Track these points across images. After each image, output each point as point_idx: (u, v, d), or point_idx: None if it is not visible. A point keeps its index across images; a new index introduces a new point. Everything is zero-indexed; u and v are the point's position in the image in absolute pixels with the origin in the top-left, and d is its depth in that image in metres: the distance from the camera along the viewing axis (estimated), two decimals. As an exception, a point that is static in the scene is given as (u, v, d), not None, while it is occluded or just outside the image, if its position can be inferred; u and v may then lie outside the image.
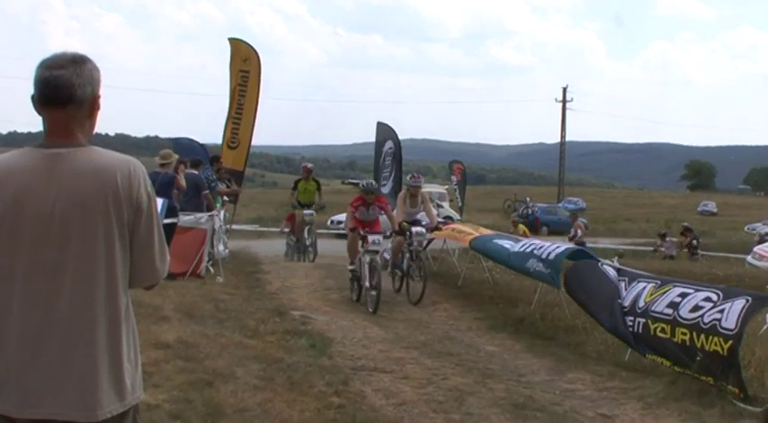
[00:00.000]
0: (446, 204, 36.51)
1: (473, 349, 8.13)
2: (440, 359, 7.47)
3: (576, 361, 7.67)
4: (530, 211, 44.65)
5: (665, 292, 7.09)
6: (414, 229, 11.35)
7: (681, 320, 6.64)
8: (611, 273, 8.16)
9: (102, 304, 2.22)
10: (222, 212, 13.41)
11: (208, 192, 12.34)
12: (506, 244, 10.81)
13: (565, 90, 64.30)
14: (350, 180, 49.61)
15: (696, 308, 6.57)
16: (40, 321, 2.17)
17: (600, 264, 8.45)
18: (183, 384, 5.46)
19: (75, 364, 2.18)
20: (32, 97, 2.27)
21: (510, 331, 9.12)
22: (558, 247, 9.53)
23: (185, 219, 11.32)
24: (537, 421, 5.67)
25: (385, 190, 23.89)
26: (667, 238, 25.88)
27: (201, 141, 16.80)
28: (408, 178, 12.54)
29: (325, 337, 8.00)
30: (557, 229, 40.75)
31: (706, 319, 6.37)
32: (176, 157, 11.83)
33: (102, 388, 2.21)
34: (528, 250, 9.76)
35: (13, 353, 2.16)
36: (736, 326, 6.08)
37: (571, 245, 9.51)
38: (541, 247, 9.53)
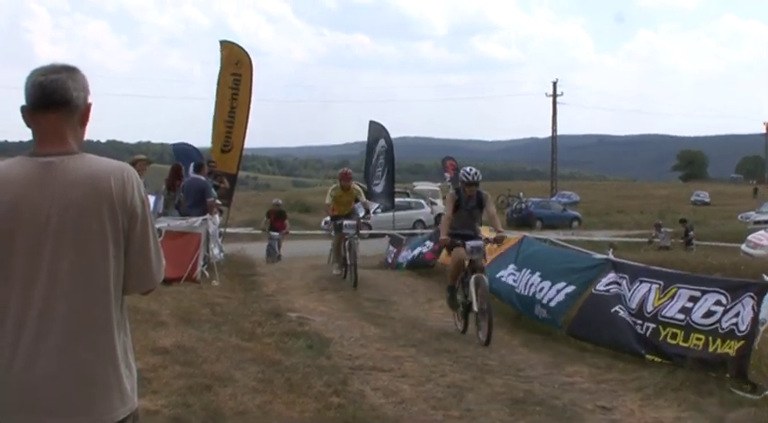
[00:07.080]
0: (439, 202, 36.54)
1: (470, 346, 8.14)
2: (437, 356, 7.48)
3: (574, 354, 7.69)
4: (523, 206, 44.73)
5: (672, 296, 7.17)
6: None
7: (696, 326, 6.75)
8: (623, 313, 7.69)
9: (98, 310, 2.21)
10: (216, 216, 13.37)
11: (212, 199, 12.24)
12: (510, 280, 9.99)
13: (555, 84, 64.43)
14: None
15: (709, 313, 6.67)
16: (35, 329, 2.16)
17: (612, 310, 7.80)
18: (181, 389, 5.46)
19: (70, 370, 2.17)
20: (23, 107, 2.26)
21: (507, 327, 9.13)
22: (557, 292, 8.87)
23: (178, 223, 11.30)
24: (536, 415, 5.68)
25: (378, 189, 23.88)
26: (662, 229, 25.97)
27: (194, 145, 16.78)
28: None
29: (323, 337, 8.00)
30: (550, 224, 40.87)
31: (724, 325, 6.49)
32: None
33: (100, 394, 2.20)
34: (530, 294, 9.29)
35: (10, 360, 2.16)
36: (747, 326, 6.19)
37: (569, 290, 8.83)
38: (542, 290, 9.08)
